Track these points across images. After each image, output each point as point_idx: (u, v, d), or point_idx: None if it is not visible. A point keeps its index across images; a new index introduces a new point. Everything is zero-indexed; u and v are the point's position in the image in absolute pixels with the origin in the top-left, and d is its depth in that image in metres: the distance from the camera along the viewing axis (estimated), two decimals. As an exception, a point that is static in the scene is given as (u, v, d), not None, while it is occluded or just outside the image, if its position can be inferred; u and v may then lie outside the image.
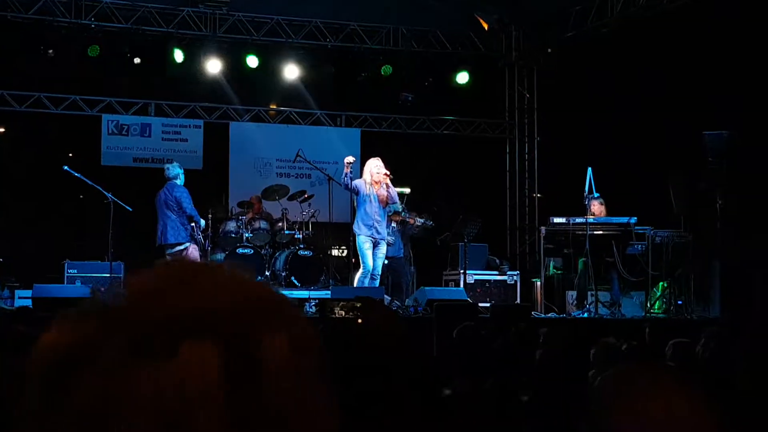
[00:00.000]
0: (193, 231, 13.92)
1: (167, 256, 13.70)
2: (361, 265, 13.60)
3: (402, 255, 15.42)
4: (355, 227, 13.67)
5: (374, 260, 13.59)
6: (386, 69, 18.77)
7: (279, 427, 0.96)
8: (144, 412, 0.92)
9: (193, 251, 13.86)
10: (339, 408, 1.04)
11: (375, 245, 13.60)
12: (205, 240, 14.80)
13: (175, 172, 13.88)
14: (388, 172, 13.52)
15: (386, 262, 14.89)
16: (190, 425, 0.92)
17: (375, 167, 13.55)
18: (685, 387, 1.76)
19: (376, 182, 13.48)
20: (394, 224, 15.35)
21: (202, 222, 14.40)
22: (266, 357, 0.96)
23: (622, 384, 1.81)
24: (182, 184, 13.87)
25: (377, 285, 13.62)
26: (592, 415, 1.81)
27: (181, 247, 13.70)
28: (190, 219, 13.79)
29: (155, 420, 0.92)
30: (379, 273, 13.74)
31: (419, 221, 16.01)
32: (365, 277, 13.53)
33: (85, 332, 0.97)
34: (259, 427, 0.95)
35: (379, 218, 13.57)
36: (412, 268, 16.26)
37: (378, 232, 13.59)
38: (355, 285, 13.69)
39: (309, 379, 0.99)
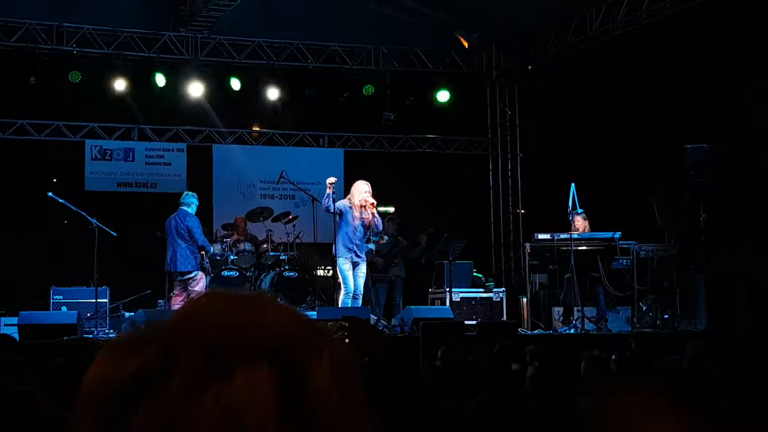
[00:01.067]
0: (202, 259, 14.12)
1: (176, 284, 13.88)
2: (343, 287, 13.62)
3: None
4: (334, 249, 13.71)
5: (355, 280, 13.62)
6: (368, 89, 18.83)
7: None
8: None
9: (201, 279, 14.03)
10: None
11: (355, 266, 13.64)
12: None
13: (190, 200, 14.17)
14: (374, 201, 13.56)
15: None
16: None
17: (365, 192, 13.56)
18: (673, 408, 1.78)
19: (363, 206, 13.50)
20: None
21: (212, 249, 14.68)
22: (313, 381, 0.99)
23: (611, 405, 1.83)
24: (194, 212, 14.03)
25: (359, 304, 13.65)
26: None
27: (190, 276, 13.88)
28: (201, 248, 13.98)
29: None
30: (361, 292, 13.77)
31: (385, 239, 16.04)
32: (348, 297, 13.55)
33: (145, 360, 0.99)
34: None
35: (359, 242, 13.62)
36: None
37: (357, 256, 13.63)
38: (339, 306, 13.71)
39: (353, 401, 1.02)
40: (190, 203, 14.10)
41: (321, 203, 13.98)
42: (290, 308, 1.07)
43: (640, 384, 1.91)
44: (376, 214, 13.65)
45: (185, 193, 14.49)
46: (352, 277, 13.56)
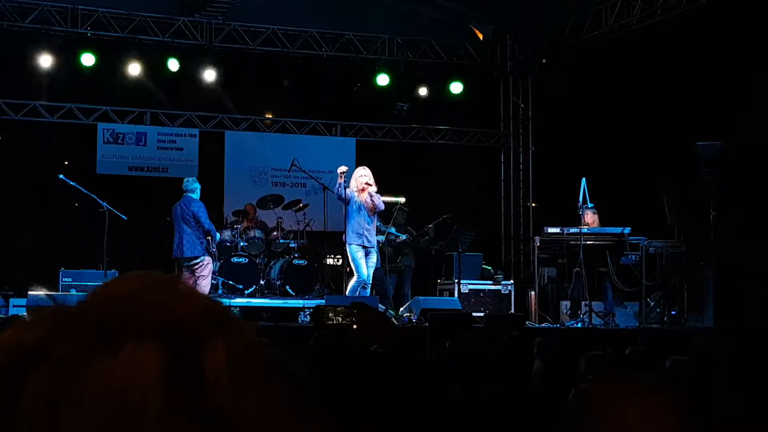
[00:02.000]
0: (209, 244, 14.17)
1: (184, 269, 13.92)
2: (356, 275, 13.64)
3: (379, 265, 15.40)
4: (345, 236, 13.76)
5: (367, 268, 13.66)
6: (383, 78, 18.83)
7: (217, 429, 0.99)
8: (93, 408, 0.95)
9: (209, 264, 14.07)
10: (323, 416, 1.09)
11: (366, 254, 13.66)
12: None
13: (193, 185, 14.16)
14: (370, 182, 13.62)
15: None
16: (131, 423, 0.95)
17: (360, 176, 13.68)
18: (656, 398, 1.80)
19: (361, 190, 13.58)
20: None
21: (218, 235, 14.71)
22: (204, 365, 0.99)
23: (593, 396, 1.84)
24: (198, 197, 14.04)
25: (368, 293, 13.68)
26: (568, 424, 1.85)
27: (197, 261, 13.93)
28: (207, 233, 14.02)
29: (102, 417, 0.95)
30: (370, 282, 13.79)
31: (402, 237, 16.09)
32: (359, 285, 13.58)
33: (38, 332, 1.00)
34: (197, 429, 0.98)
35: (368, 226, 13.65)
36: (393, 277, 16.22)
37: (368, 241, 13.66)
38: (347, 294, 13.73)
39: (250, 392, 1.01)
40: (194, 189, 14.12)
41: (333, 192, 14.03)
42: (200, 296, 1.06)
43: (624, 378, 1.92)
44: (374, 194, 13.70)
45: (187, 179, 14.45)
46: (364, 265, 13.59)
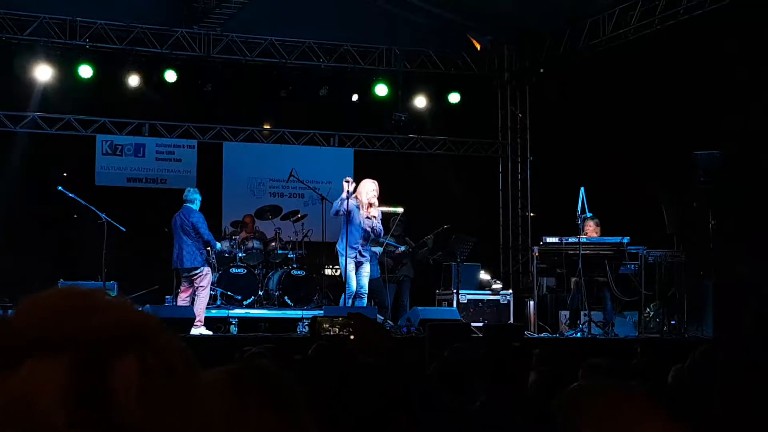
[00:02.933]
0: (208, 255, 14.16)
1: (183, 280, 13.90)
2: (346, 287, 13.59)
3: (378, 276, 15.39)
4: (339, 247, 13.65)
5: (359, 279, 13.58)
6: (380, 89, 18.85)
7: None
8: None
9: (208, 275, 14.07)
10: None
11: (358, 265, 13.60)
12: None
13: (193, 196, 14.13)
14: (374, 201, 13.53)
15: None
16: None
17: (371, 190, 13.52)
18: (642, 405, 1.79)
19: (370, 204, 13.48)
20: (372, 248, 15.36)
21: (218, 246, 14.71)
22: (112, 379, 0.97)
23: (577, 402, 1.84)
24: (198, 208, 14.02)
25: (365, 303, 13.64)
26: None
27: (197, 272, 13.89)
28: (206, 244, 14.00)
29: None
30: (366, 291, 13.71)
31: (401, 248, 16.08)
32: (349, 297, 13.53)
33: None
34: None
35: (363, 241, 13.57)
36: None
37: (362, 255, 13.59)
38: (339, 306, 13.70)
39: (164, 407, 1.00)
40: (194, 199, 14.10)
41: (333, 204, 13.74)
42: (127, 307, 1.05)
43: (608, 385, 1.91)
44: (376, 219, 13.59)
45: (188, 189, 14.44)
46: (354, 277, 13.53)
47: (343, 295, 13.66)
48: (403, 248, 16.10)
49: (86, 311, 1.02)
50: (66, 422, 0.95)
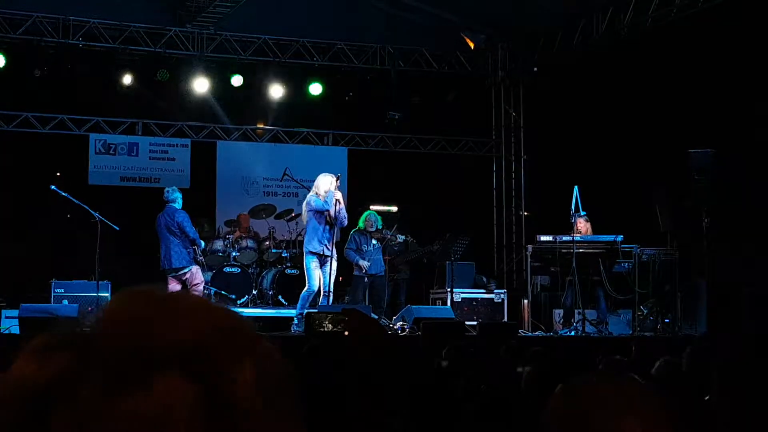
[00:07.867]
0: (195, 253, 14.11)
1: (169, 280, 13.85)
2: (307, 285, 13.55)
3: (383, 273, 15.39)
4: (308, 244, 13.62)
5: (324, 278, 13.53)
6: (373, 88, 18.86)
7: None
8: None
9: (198, 273, 14.03)
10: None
11: (323, 263, 13.56)
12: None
13: (174, 195, 14.06)
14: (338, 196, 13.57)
15: (366, 280, 14.95)
16: None
17: (329, 183, 13.56)
18: (639, 400, 1.78)
19: (337, 200, 13.52)
20: (374, 242, 15.37)
21: (203, 243, 14.68)
22: (235, 389, 0.95)
23: (568, 399, 1.83)
24: (180, 207, 13.98)
25: (330, 302, 13.57)
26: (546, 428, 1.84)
27: (185, 271, 13.88)
28: (192, 242, 13.96)
29: None
30: (332, 289, 13.66)
31: (401, 238, 16.04)
32: (309, 296, 13.49)
33: (60, 366, 0.95)
34: None
35: (328, 236, 13.57)
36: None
37: (327, 249, 13.54)
38: (297, 306, 13.68)
39: (281, 410, 0.98)
40: (176, 198, 14.04)
41: (333, 215, 13.69)
42: (217, 311, 1.01)
43: (600, 381, 1.91)
44: (343, 206, 13.64)
45: (167, 189, 14.32)
46: (317, 276, 13.50)
47: (304, 292, 13.60)
48: (402, 238, 16.05)
49: (187, 317, 0.98)
50: None
